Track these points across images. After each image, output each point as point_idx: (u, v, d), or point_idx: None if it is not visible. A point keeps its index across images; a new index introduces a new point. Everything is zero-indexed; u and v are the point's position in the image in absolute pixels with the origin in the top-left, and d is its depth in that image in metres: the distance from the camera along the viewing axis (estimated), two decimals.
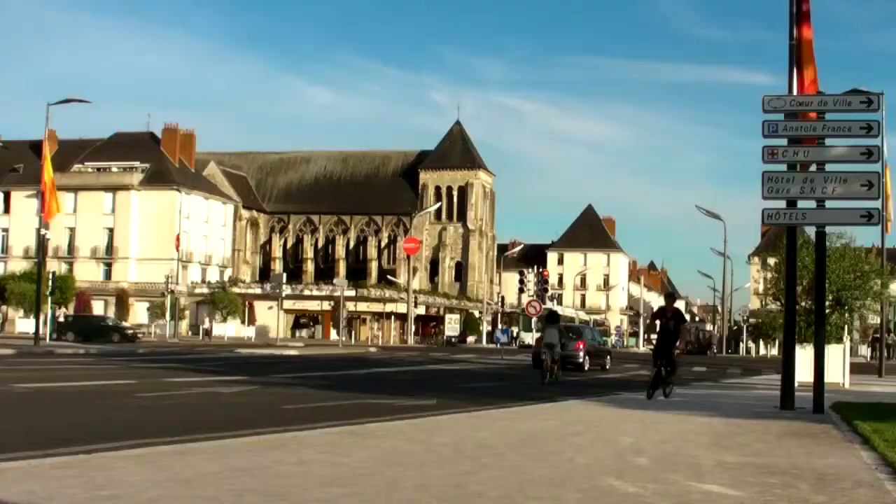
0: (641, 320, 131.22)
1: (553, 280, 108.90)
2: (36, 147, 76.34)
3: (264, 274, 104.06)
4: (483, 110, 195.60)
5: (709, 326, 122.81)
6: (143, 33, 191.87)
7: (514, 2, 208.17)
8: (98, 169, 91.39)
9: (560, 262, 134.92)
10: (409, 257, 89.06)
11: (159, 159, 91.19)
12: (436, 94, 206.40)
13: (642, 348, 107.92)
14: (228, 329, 76.28)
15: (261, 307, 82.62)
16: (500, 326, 76.53)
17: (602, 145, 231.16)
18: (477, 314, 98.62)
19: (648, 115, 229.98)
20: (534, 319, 49.46)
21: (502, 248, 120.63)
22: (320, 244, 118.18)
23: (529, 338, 56.71)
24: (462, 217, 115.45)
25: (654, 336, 18.67)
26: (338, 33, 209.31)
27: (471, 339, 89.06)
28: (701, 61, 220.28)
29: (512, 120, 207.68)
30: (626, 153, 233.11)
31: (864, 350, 70.38)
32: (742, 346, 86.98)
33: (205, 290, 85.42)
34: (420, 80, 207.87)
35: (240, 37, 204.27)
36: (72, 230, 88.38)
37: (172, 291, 69.85)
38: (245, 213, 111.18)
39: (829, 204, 13.25)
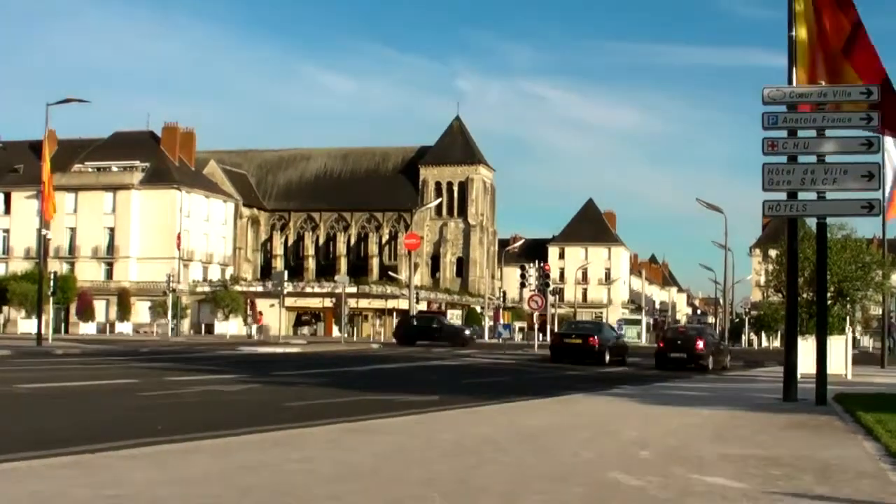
0: (643, 314, 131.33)
1: (554, 274, 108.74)
2: (36, 147, 76.33)
3: (265, 272, 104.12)
4: (506, 97, 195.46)
5: (710, 319, 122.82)
6: (150, 18, 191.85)
7: None
8: (98, 168, 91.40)
9: (561, 256, 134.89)
10: (410, 253, 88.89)
11: (159, 158, 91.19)
12: (461, 82, 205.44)
13: (644, 342, 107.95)
14: (230, 327, 76.33)
15: (262, 305, 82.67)
16: (500, 321, 76.54)
17: (615, 132, 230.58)
18: (479, 309, 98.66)
19: (666, 101, 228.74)
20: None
21: (503, 243, 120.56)
22: (321, 241, 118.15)
23: None
24: (463, 212, 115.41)
25: None
26: (355, 19, 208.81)
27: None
28: (735, 42, 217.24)
29: (534, 107, 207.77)
30: (638, 140, 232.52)
31: (867, 341, 70.47)
32: (744, 338, 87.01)
33: (206, 289, 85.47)
34: (445, 68, 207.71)
35: (250, 23, 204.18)
36: (72, 230, 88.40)
37: (174, 290, 69.89)
38: (246, 211, 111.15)
39: (829, 195, 13.24)
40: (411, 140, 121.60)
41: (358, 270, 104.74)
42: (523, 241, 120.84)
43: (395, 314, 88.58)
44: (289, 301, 75.42)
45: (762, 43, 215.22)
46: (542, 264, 61.62)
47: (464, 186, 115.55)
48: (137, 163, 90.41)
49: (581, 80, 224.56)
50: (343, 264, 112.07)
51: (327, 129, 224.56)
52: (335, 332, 77.20)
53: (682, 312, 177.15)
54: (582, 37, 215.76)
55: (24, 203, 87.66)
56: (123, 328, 78.88)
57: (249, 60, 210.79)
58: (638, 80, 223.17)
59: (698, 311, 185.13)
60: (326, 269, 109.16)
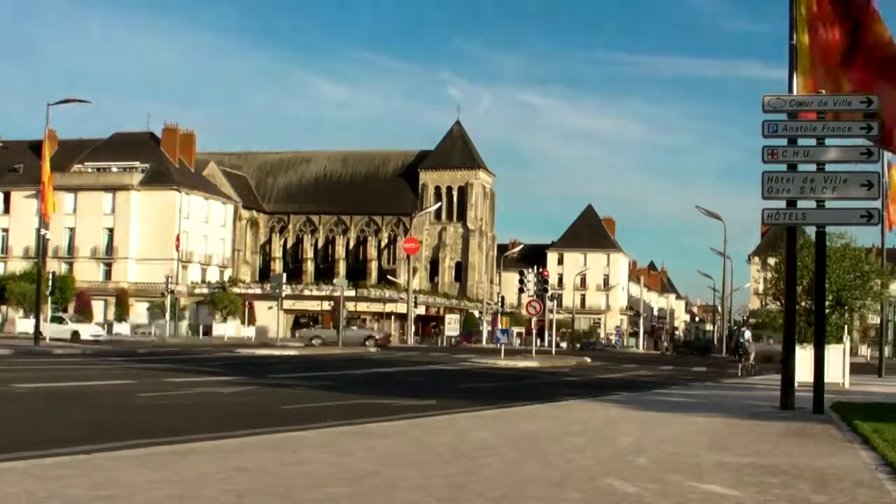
0: (641, 320, 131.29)
1: (553, 280, 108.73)
2: (36, 147, 76.34)
3: (264, 274, 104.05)
4: (498, 106, 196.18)
5: (709, 326, 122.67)
6: (150, 25, 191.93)
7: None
8: (98, 169, 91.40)
9: (560, 262, 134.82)
10: (408, 257, 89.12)
11: (159, 159, 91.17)
12: (452, 90, 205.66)
13: (642, 349, 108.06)
14: (228, 329, 76.27)
15: (261, 307, 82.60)
16: (499, 326, 76.49)
17: (611, 141, 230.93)
18: (477, 314, 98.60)
19: (663, 111, 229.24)
20: None
21: (502, 248, 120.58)
22: (320, 244, 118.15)
23: None
24: (462, 217, 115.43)
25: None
26: (350, 28, 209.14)
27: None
28: (723, 55, 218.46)
29: (527, 116, 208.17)
30: (635, 147, 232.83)
31: (865, 350, 70.48)
32: None
33: (205, 291, 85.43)
34: (436, 76, 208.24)
35: (247, 31, 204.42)
36: (72, 230, 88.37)
37: (172, 291, 69.83)
38: (245, 214, 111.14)
39: (828, 204, 13.23)
40: (411, 145, 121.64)
41: (356, 274, 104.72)
42: (522, 246, 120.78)
43: (393, 318, 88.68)
44: (287, 304, 75.38)
45: (750, 55, 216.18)
46: (540, 270, 61.67)
47: (463, 191, 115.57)
48: (137, 164, 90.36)
49: (574, 90, 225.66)
50: (342, 267, 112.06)
51: (325, 134, 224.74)
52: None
53: (681, 319, 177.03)
54: (572, 47, 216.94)
55: (23, 203, 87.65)
56: (121, 329, 78.78)
57: (249, 65, 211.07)
58: (629, 90, 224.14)
59: (696, 319, 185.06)
60: (325, 273, 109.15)
